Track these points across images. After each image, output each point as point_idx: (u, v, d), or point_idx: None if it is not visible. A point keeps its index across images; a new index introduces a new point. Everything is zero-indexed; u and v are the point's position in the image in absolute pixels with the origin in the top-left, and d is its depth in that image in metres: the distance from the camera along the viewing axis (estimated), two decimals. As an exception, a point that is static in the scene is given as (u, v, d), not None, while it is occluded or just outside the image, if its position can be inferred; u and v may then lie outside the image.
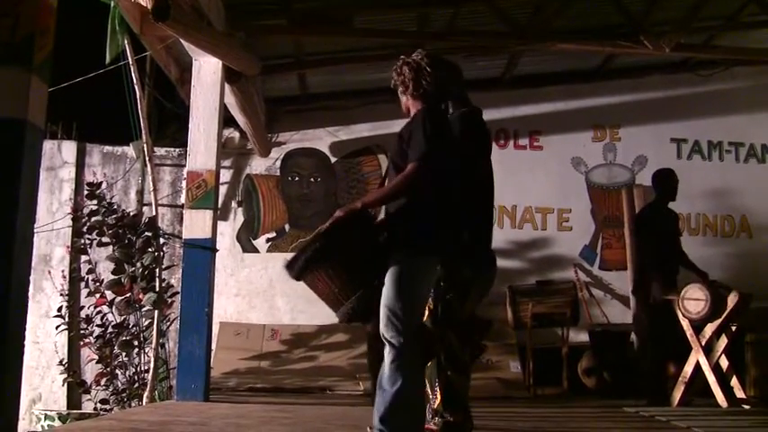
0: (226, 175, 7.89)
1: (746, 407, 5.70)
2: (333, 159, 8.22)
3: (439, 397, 3.62)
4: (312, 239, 3.18)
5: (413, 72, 3.35)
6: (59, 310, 6.85)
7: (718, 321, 5.63)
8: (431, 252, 3.13)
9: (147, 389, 5.93)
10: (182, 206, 6.72)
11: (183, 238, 5.67)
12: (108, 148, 8.05)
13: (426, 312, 3.62)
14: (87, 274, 6.80)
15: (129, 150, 7.82)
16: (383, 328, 3.03)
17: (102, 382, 6.47)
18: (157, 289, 6.15)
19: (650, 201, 6.59)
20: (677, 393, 5.75)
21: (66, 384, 7.18)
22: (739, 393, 5.84)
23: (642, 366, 6.07)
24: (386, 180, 3.52)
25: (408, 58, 3.41)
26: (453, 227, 3.30)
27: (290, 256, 3.21)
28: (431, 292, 3.32)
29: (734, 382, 5.86)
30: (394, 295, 3.01)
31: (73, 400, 7.33)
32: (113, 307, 6.51)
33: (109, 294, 6.54)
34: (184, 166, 6.24)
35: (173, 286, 6.66)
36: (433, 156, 3.09)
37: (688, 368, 5.74)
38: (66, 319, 6.81)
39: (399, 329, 2.98)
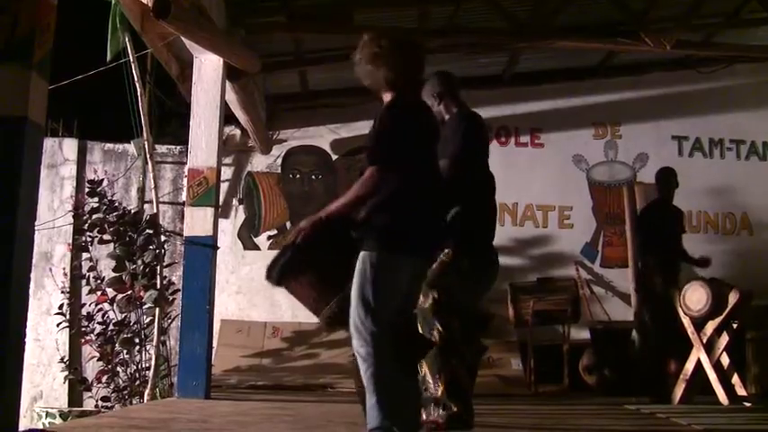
0: (227, 173, 7.88)
1: (747, 404, 5.70)
2: (334, 157, 8.20)
3: (441, 387, 3.61)
4: (282, 250, 3.06)
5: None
6: (60, 307, 6.85)
7: (720, 319, 5.61)
8: (398, 250, 2.88)
9: (149, 386, 5.94)
10: (183, 204, 6.72)
11: (185, 235, 5.67)
12: (109, 146, 8.05)
13: (430, 300, 3.63)
14: (88, 271, 6.80)
15: (130, 148, 7.83)
16: (352, 336, 2.84)
17: (104, 379, 6.48)
18: (158, 286, 6.15)
19: (654, 199, 6.61)
20: (678, 391, 5.74)
21: (67, 382, 7.17)
22: (740, 391, 5.83)
23: (643, 364, 6.06)
24: None
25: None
26: (431, 225, 3.08)
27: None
28: (407, 292, 3.01)
29: (735, 379, 5.85)
30: (357, 302, 2.82)
31: (74, 398, 7.32)
32: (114, 304, 6.51)
33: (110, 292, 6.54)
34: (185, 163, 6.25)
35: (174, 284, 6.65)
36: (396, 154, 2.98)
37: (689, 366, 5.73)
38: (68, 317, 6.82)
39: (366, 338, 2.78)
